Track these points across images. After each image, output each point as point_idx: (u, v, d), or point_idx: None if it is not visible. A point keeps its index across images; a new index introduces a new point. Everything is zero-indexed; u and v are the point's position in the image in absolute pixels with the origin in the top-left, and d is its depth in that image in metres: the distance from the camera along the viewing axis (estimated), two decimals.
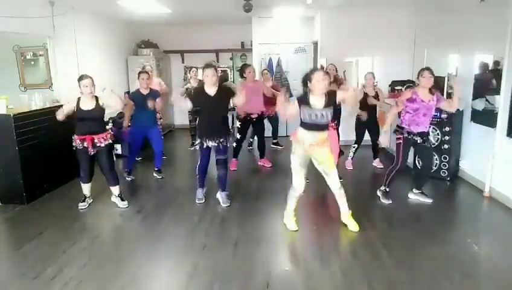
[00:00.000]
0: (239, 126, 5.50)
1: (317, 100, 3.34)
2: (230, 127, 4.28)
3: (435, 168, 4.96)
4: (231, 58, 9.16)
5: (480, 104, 4.62)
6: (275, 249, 3.35)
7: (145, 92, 5.01)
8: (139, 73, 5.10)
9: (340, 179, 4.94)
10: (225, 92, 4.09)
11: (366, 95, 5.21)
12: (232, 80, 9.05)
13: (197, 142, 4.18)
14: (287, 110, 3.48)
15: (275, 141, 6.92)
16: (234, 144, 5.47)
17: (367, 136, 5.58)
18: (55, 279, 2.87)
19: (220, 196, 4.31)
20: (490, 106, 4.44)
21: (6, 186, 4.39)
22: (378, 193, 4.33)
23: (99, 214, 4.21)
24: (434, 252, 3.17)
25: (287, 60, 7.82)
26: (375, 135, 5.48)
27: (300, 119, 3.44)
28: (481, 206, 4.28)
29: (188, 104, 4.07)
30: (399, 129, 4.12)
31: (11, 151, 4.25)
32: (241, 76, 5.51)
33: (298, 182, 3.53)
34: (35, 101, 4.75)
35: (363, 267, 2.98)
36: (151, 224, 3.89)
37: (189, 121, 7.07)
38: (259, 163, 5.86)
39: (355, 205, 4.13)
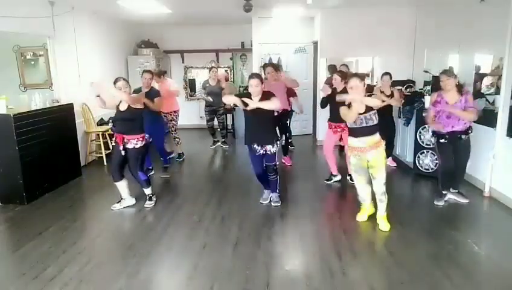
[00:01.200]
0: None
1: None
2: (277, 134, 4.24)
3: (433, 167, 4.97)
4: (231, 58, 9.15)
5: (480, 104, 4.62)
6: (275, 249, 3.35)
7: (145, 90, 5.05)
8: (143, 72, 5.14)
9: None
10: (266, 98, 3.92)
11: (382, 94, 5.21)
12: (232, 80, 9.06)
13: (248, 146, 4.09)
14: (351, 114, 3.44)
15: (289, 140, 6.91)
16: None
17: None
18: (55, 279, 2.87)
19: (272, 196, 4.32)
20: (490, 106, 4.44)
21: (6, 186, 4.39)
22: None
23: (99, 214, 4.21)
24: (434, 252, 3.17)
25: (287, 60, 7.82)
26: (390, 134, 5.45)
27: (348, 127, 3.52)
28: (481, 206, 4.28)
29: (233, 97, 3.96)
30: (433, 133, 4.18)
31: (11, 151, 4.26)
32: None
33: (359, 190, 3.69)
34: (35, 101, 4.75)
35: (363, 267, 2.98)
36: (151, 224, 3.90)
37: (207, 120, 7.08)
38: (282, 160, 5.89)
39: (356, 205, 4.13)
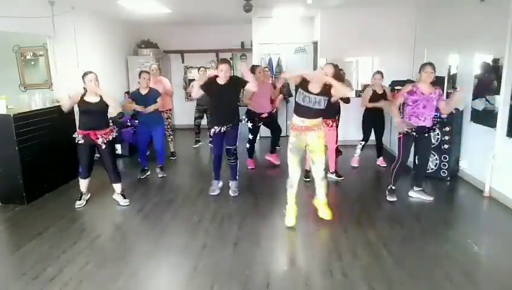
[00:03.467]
0: (250, 127, 5.57)
1: (315, 87, 3.50)
2: (240, 118, 4.44)
3: (433, 167, 4.98)
4: (231, 58, 9.14)
5: (480, 104, 4.62)
6: (275, 249, 3.35)
7: (144, 91, 5.05)
8: (141, 72, 5.14)
9: (340, 177, 4.94)
10: (235, 82, 4.23)
11: (374, 92, 5.29)
12: None
13: (209, 134, 4.38)
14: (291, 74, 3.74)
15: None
16: (247, 145, 5.69)
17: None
18: (55, 279, 2.87)
19: (231, 184, 4.50)
20: (490, 106, 4.44)
21: (6, 186, 4.39)
22: (386, 191, 4.35)
23: (99, 213, 4.21)
24: (434, 252, 3.17)
25: (287, 60, 7.82)
26: (380, 134, 5.59)
27: (295, 101, 3.61)
28: (481, 206, 4.28)
29: (198, 91, 4.24)
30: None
31: (11, 151, 4.25)
32: None
33: (290, 170, 3.67)
34: (35, 101, 4.75)
35: (363, 267, 2.98)
36: (152, 223, 3.89)
37: (195, 118, 7.09)
38: (266, 157, 5.94)
39: (356, 205, 4.14)
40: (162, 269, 3.05)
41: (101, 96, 4.05)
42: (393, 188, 4.28)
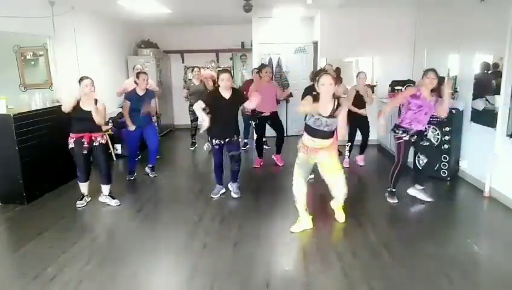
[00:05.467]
0: (254, 125, 5.74)
1: (325, 107, 3.28)
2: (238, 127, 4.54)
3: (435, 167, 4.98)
4: (231, 58, 9.16)
5: (480, 104, 4.62)
6: (275, 249, 3.35)
7: (141, 92, 5.03)
8: (138, 73, 5.10)
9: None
10: (238, 96, 4.29)
11: (357, 92, 5.37)
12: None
13: (207, 144, 4.37)
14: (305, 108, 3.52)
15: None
16: (254, 144, 5.83)
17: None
18: (55, 279, 2.87)
19: (231, 186, 4.53)
20: (490, 106, 4.44)
21: (6, 186, 4.39)
22: (386, 194, 4.33)
23: (99, 214, 4.21)
24: (434, 252, 3.17)
25: (287, 60, 7.82)
26: (365, 134, 5.71)
27: (306, 124, 3.46)
28: (481, 206, 4.28)
29: (200, 104, 4.16)
30: (397, 129, 4.13)
31: (11, 151, 4.25)
32: (259, 75, 5.73)
33: (294, 186, 3.59)
34: (35, 101, 4.75)
35: (363, 267, 2.98)
36: (151, 224, 3.90)
37: (191, 121, 7.06)
38: (273, 156, 5.94)
39: (355, 205, 4.14)
40: (162, 269, 3.05)
41: (95, 105, 4.05)
42: (394, 190, 4.27)
